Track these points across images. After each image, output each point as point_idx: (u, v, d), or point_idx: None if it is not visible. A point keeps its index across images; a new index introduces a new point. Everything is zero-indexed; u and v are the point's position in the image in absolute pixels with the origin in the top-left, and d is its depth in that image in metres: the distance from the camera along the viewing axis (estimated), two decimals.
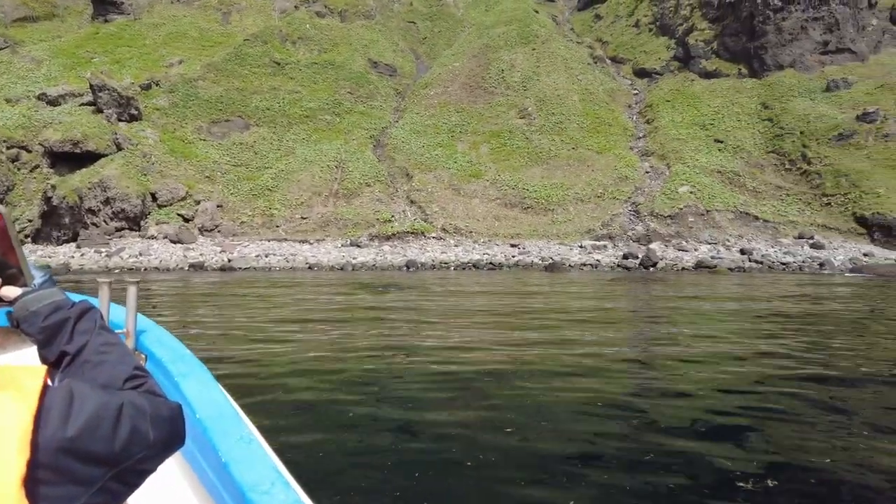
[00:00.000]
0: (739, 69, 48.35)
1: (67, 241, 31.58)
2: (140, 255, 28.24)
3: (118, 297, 2.07)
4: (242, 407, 1.83)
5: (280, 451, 1.65)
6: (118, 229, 32.31)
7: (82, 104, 37.93)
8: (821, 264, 27.73)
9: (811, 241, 31.88)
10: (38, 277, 1.20)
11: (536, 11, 67.59)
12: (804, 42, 46.09)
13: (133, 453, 0.91)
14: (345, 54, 56.19)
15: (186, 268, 26.37)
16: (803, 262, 28.48)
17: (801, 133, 39.75)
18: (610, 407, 4.99)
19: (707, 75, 50.08)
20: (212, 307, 12.01)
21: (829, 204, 35.45)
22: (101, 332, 1.16)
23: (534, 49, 56.10)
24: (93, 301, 1.40)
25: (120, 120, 37.59)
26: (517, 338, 8.42)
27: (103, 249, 29.37)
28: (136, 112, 38.86)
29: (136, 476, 0.95)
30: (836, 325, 10.02)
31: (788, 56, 45.85)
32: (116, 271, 25.16)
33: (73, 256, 28.32)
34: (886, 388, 5.55)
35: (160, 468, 1.02)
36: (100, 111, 36.91)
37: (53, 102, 38.40)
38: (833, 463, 3.65)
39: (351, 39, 59.37)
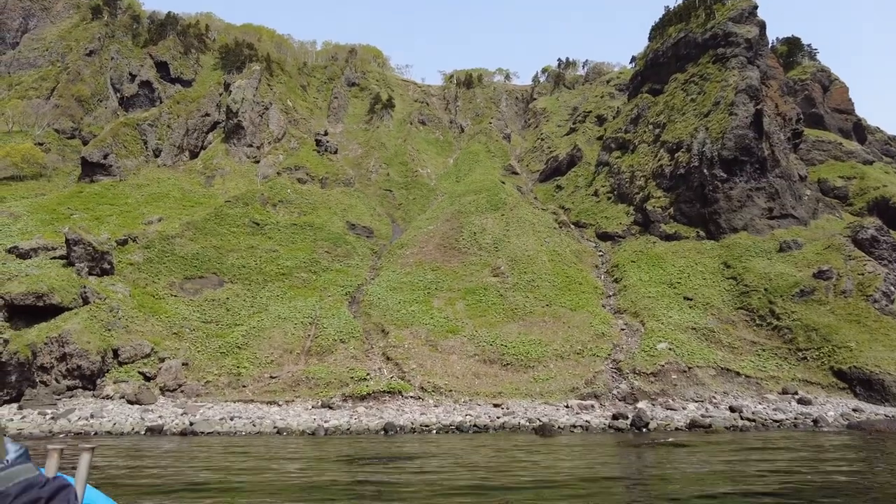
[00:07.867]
0: (697, 232, 51.72)
1: (9, 402, 28.64)
2: (91, 416, 25.57)
3: (70, 463, 1.75)
4: None
5: None
6: (70, 388, 29.71)
7: (54, 258, 37.22)
8: (815, 421, 27.00)
9: (797, 397, 31.43)
10: (11, 452, 1.14)
11: (503, 182, 73.10)
12: (752, 208, 50.25)
13: None
14: (324, 216, 58.30)
15: (143, 431, 23.84)
16: (795, 418, 27.74)
17: (766, 290, 41.42)
18: None
19: (667, 237, 53.24)
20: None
21: (806, 359, 35.75)
22: None
23: (503, 214, 59.47)
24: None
25: (91, 274, 36.73)
26: None
27: (49, 411, 26.60)
28: (108, 266, 38.19)
29: None
30: None
31: (740, 220, 49.60)
32: (61, 435, 22.53)
33: (11, 419, 25.43)
34: None
35: None
36: (71, 265, 36.13)
37: (24, 256, 37.61)
38: None
39: (330, 203, 62.12)
